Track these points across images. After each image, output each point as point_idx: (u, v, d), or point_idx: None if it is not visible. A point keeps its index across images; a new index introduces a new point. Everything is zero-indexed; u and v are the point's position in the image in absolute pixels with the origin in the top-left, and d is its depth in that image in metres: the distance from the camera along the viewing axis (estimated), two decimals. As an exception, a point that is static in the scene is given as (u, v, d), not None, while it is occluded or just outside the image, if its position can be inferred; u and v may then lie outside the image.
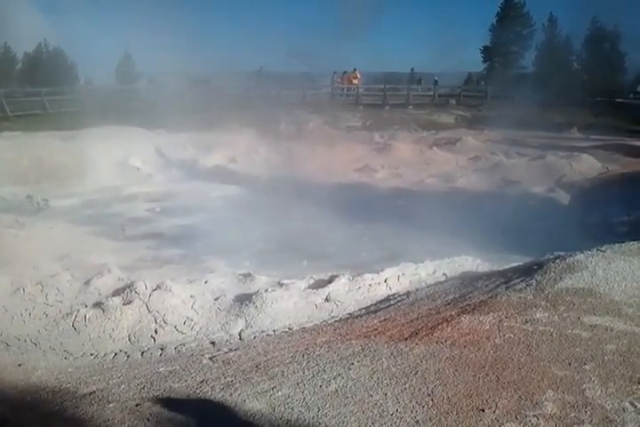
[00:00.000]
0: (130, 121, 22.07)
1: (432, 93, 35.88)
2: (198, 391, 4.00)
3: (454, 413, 3.58)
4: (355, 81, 35.47)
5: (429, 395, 3.79)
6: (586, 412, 3.58)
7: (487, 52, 51.50)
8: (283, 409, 3.66)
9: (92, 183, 16.78)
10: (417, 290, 6.97)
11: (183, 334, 6.10)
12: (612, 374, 4.03)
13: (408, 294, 6.86)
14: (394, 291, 7.11)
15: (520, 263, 7.25)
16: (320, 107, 26.83)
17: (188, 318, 6.30)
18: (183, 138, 21.62)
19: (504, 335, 4.67)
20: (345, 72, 36.00)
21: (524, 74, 48.24)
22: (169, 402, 3.87)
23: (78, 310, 6.28)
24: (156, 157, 19.99)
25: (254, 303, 6.44)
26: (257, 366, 4.42)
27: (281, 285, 6.99)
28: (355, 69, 35.88)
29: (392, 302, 6.59)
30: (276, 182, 14.80)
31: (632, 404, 3.67)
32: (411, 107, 31.88)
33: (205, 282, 7.11)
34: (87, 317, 6.16)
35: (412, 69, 47.50)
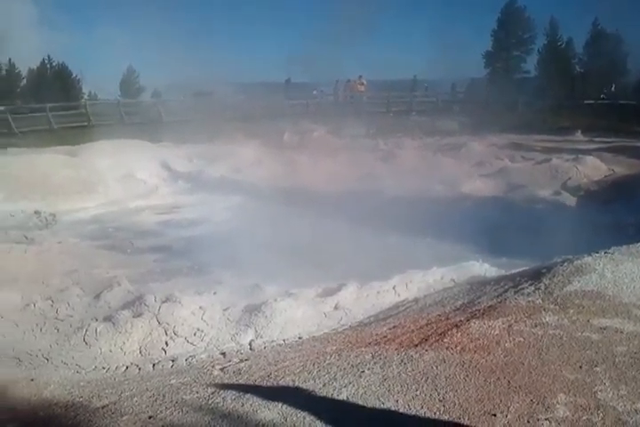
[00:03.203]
0: (135, 135, 22.19)
1: (435, 100, 35.87)
2: (210, 402, 4.01)
3: (466, 418, 3.58)
4: (361, 88, 35.49)
5: (441, 401, 3.79)
6: (598, 414, 3.57)
7: (489, 57, 51.50)
8: (295, 419, 3.66)
9: (98, 197, 16.85)
10: (425, 296, 6.98)
11: (194, 345, 6.12)
12: (624, 376, 4.03)
13: (417, 300, 6.87)
14: (402, 298, 7.12)
15: (528, 267, 7.25)
16: (324, 116, 26.88)
17: (198, 329, 6.31)
18: (188, 150, 21.72)
19: (514, 340, 4.67)
20: (349, 80, 36.03)
21: (526, 78, 48.26)
22: (181, 414, 3.89)
23: (89, 324, 6.30)
24: (161, 169, 20.08)
25: (263, 313, 6.45)
26: (268, 376, 4.43)
27: (289, 294, 7.01)
28: (360, 77, 35.92)
29: (401, 309, 6.59)
30: (280, 192, 14.83)
31: (644, 405, 3.66)
32: (414, 113, 31.94)
33: (214, 293, 7.13)
34: (98, 330, 6.18)
35: (415, 76, 47.53)
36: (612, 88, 39.74)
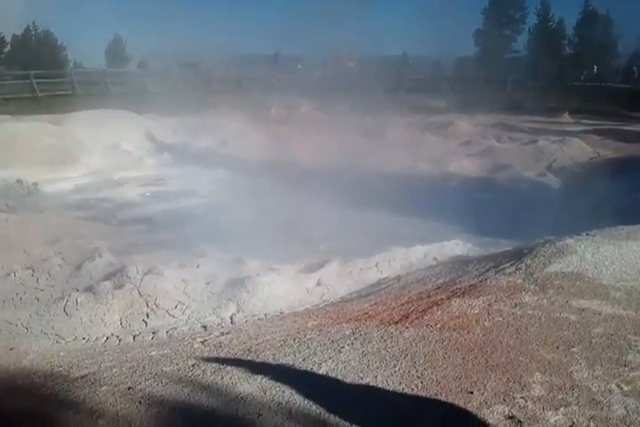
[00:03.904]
0: (120, 105, 21.96)
1: (423, 77, 35.75)
2: (190, 375, 4.03)
3: (443, 395, 3.62)
4: (349, 64, 35.28)
5: (419, 377, 3.83)
6: (573, 394, 3.63)
7: (479, 36, 51.29)
8: (274, 392, 3.69)
9: (82, 168, 16.72)
10: (407, 274, 7.02)
11: (175, 318, 6.13)
12: (599, 356, 4.09)
13: (399, 278, 6.91)
14: (384, 275, 7.16)
15: (510, 248, 7.31)
16: (311, 91, 26.71)
17: (179, 302, 6.32)
18: (173, 122, 21.54)
19: (493, 319, 4.72)
20: (338, 55, 35.81)
21: (516, 58, 48.19)
22: (160, 385, 3.90)
23: (70, 295, 6.29)
24: (146, 141, 19.92)
25: (246, 288, 6.47)
26: (248, 350, 4.45)
27: (272, 269, 7.02)
28: (349, 52, 35.70)
29: (383, 286, 6.63)
30: (266, 167, 14.77)
31: (618, 386, 3.73)
32: (402, 91, 31.81)
33: (197, 266, 7.13)
34: (78, 301, 6.17)
35: (404, 53, 47.32)
36: (595, 70, 39.72)
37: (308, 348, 4.36)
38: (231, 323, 5.98)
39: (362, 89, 26.56)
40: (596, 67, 40.00)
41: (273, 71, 34.33)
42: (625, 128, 20.45)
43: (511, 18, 50.11)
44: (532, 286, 5.39)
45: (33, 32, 52.85)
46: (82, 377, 4.14)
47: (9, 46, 52.64)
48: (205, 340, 4.98)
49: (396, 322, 4.82)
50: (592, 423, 3.36)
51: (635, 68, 35.30)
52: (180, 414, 3.60)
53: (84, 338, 5.71)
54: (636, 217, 7.71)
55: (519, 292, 5.28)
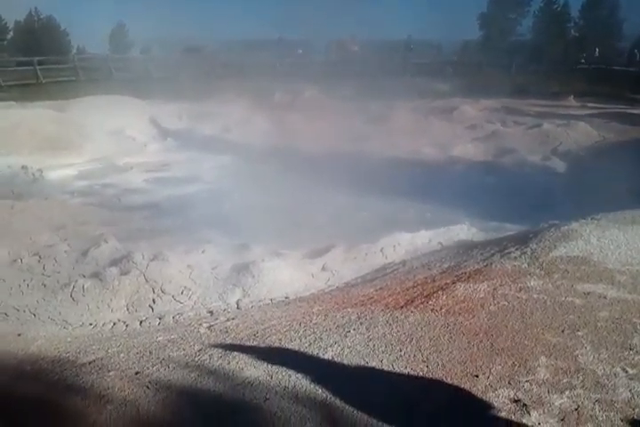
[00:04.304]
0: (124, 91, 21.90)
1: (428, 62, 35.54)
2: (196, 360, 4.06)
3: (449, 379, 3.64)
4: (353, 48, 35.11)
5: (424, 362, 3.85)
6: (578, 377, 3.64)
7: (484, 19, 50.89)
8: (280, 377, 3.72)
9: (86, 154, 16.68)
10: (412, 259, 7.03)
11: (181, 303, 6.15)
12: (605, 340, 4.10)
13: (404, 262, 6.91)
14: (390, 260, 7.17)
15: (515, 232, 7.30)
16: (315, 75, 26.58)
17: (185, 287, 6.34)
18: (178, 108, 21.47)
19: (498, 303, 4.73)
20: (341, 40, 35.64)
21: (521, 41, 47.82)
22: (167, 370, 3.93)
23: (76, 281, 6.32)
24: (150, 127, 19.88)
25: (251, 273, 6.49)
26: (254, 335, 4.47)
27: (278, 254, 7.04)
28: (353, 36, 35.53)
29: (388, 271, 6.64)
30: (270, 153, 14.74)
31: (623, 369, 3.74)
32: (407, 75, 31.63)
33: (202, 252, 7.14)
34: (85, 287, 6.20)
35: (409, 36, 46.99)
36: (596, 53, 39.37)
37: (314, 333, 4.37)
38: (237, 308, 6.00)
39: (366, 74, 26.46)
40: (597, 49, 39.63)
41: (276, 56, 34.13)
42: (630, 111, 20.30)
43: (516, 0, 49.67)
44: (537, 271, 5.40)
45: (36, 18, 52.62)
46: (89, 363, 4.17)
47: (11, 33, 52.47)
48: (212, 325, 5.00)
49: (402, 307, 4.84)
50: (597, 407, 3.37)
51: (636, 50, 35.01)
52: (187, 399, 3.63)
53: (90, 324, 5.74)
54: (642, 201, 7.69)
55: (524, 276, 5.29)
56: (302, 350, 4.11)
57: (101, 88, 22.09)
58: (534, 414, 3.33)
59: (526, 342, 4.07)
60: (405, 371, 3.76)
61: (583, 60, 35.95)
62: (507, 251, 6.15)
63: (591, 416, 3.31)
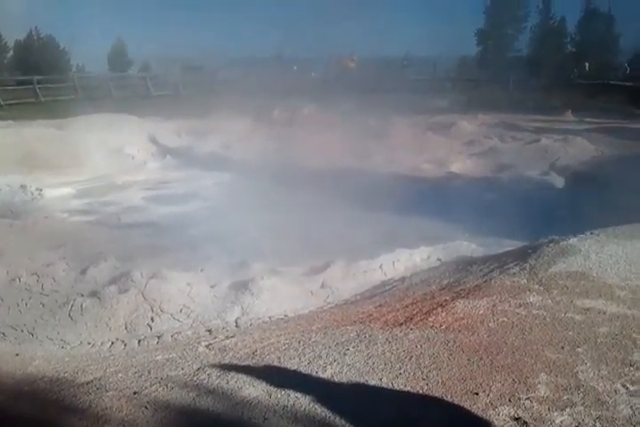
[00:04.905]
0: (123, 109, 22.00)
1: (426, 78, 35.73)
2: (195, 379, 4.04)
3: (449, 396, 3.63)
4: (351, 65, 35.29)
5: (424, 379, 3.83)
6: (578, 394, 3.63)
7: (481, 35, 51.20)
8: (279, 396, 3.70)
9: (86, 172, 16.69)
10: (412, 275, 7.02)
11: (179, 322, 6.14)
12: (605, 356, 4.09)
13: (403, 279, 6.91)
14: (389, 277, 7.17)
15: (514, 248, 7.30)
16: (314, 92, 26.70)
17: (184, 306, 6.33)
18: (177, 125, 21.55)
19: (498, 319, 4.72)
20: (340, 57, 35.84)
21: (518, 57, 48.10)
22: (166, 390, 3.91)
23: (74, 300, 6.31)
24: (150, 144, 19.91)
25: (250, 291, 6.48)
26: (253, 353, 4.46)
27: (276, 272, 7.04)
28: (351, 53, 35.72)
29: (387, 288, 6.64)
30: (270, 169, 14.76)
31: (624, 386, 3.72)
32: (406, 91, 31.76)
33: (201, 270, 7.14)
34: (83, 306, 6.19)
35: (407, 53, 47.26)
36: (587, 68, 39.51)
37: (313, 351, 4.36)
38: (236, 326, 5.99)
39: (364, 90, 26.57)
40: (587, 64, 39.74)
41: (275, 73, 34.30)
42: (628, 126, 20.38)
43: (513, 16, 49.96)
44: (536, 286, 5.39)
45: (35, 37, 52.94)
46: (87, 382, 4.15)
47: (11, 51, 52.76)
48: (210, 344, 4.99)
49: (401, 324, 4.82)
50: (598, 424, 3.36)
51: (626, 64, 35.25)
52: (185, 419, 3.61)
53: (89, 343, 5.73)
54: (641, 216, 7.69)
55: (524, 292, 5.28)
56: (301, 368, 4.10)
57: (100, 106, 22.19)
58: (535, 431, 3.31)
59: (526, 359, 4.05)
60: (405, 389, 3.74)
61: (571, 76, 36.03)
62: (506, 267, 6.14)
63: (592, 434, 3.30)
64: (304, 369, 4.07)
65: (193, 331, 5.85)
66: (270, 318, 6.14)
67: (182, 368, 4.28)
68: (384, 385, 3.80)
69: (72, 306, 6.21)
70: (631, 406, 3.51)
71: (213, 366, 4.26)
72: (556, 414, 3.44)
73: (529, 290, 5.32)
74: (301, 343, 4.55)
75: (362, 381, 3.86)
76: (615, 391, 3.66)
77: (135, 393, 3.90)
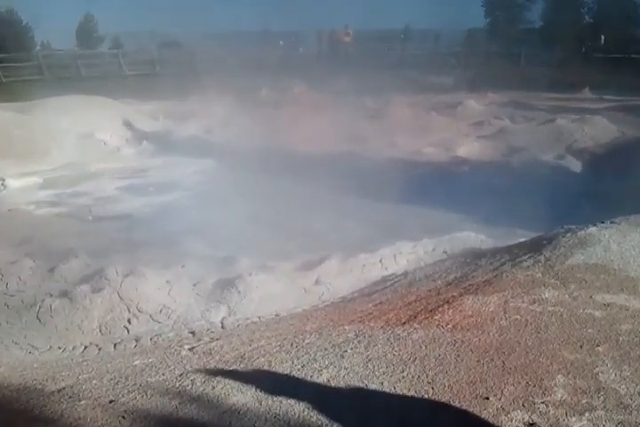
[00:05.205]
0: (94, 90, 21.90)
1: (429, 52, 35.68)
2: (177, 385, 4.04)
3: (457, 401, 3.63)
4: (346, 39, 35.18)
5: (429, 383, 3.84)
6: (599, 397, 3.64)
7: (489, 6, 51.10)
8: (270, 403, 3.70)
9: (53, 160, 16.63)
10: (415, 270, 7.03)
11: (159, 323, 6.14)
12: (627, 356, 4.10)
13: (405, 274, 6.92)
14: (390, 271, 7.18)
15: (527, 239, 7.31)
16: (305, 70, 26.64)
17: (164, 305, 6.32)
18: (154, 108, 21.49)
19: (510, 317, 4.73)
20: (333, 30, 35.74)
21: (530, 29, 48.04)
22: (145, 398, 3.91)
23: (43, 300, 6.29)
24: (124, 129, 19.84)
25: (237, 288, 6.48)
26: (241, 357, 4.46)
27: (266, 267, 7.03)
28: (346, 26, 35.59)
29: (388, 284, 6.65)
30: (257, 154, 14.74)
31: (648, 388, 3.74)
32: (406, 67, 31.75)
33: (182, 266, 7.13)
34: (53, 307, 6.17)
35: (407, 25, 47.19)
36: (602, 41, 39.46)
37: (307, 353, 4.36)
38: (222, 327, 6.00)
39: (360, 67, 26.53)
40: (603, 37, 39.70)
41: (262, 49, 34.23)
42: (652, 103, 20.41)
43: (524, -16, 49.91)
44: (552, 281, 5.40)
45: (-5, 12, 52.61)
46: (59, 391, 4.14)
47: (-31, 29, 52.48)
48: (194, 347, 4.99)
49: (404, 323, 4.83)
50: (620, 429, 3.37)
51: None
52: (167, 429, 3.61)
53: (59, 348, 5.72)
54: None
55: (538, 287, 5.29)
56: (294, 372, 4.10)
57: (69, 87, 22.10)
58: (551, 438, 3.33)
59: (541, 360, 4.06)
60: (409, 394, 3.75)
61: (584, 49, 36.01)
62: (518, 259, 6.16)
63: (614, 440, 3.31)
64: (297, 373, 4.08)
65: (174, 333, 5.85)
66: (260, 318, 6.14)
67: (163, 374, 4.28)
68: (385, 390, 3.80)
69: (40, 307, 6.19)
70: (656, 410, 3.53)
71: (197, 371, 4.26)
72: (574, 419, 3.45)
73: (544, 284, 5.33)
74: (294, 345, 4.55)
75: (361, 385, 3.87)
76: (639, 394, 3.68)
77: (111, 402, 3.89)
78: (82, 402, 3.91)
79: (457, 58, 34.76)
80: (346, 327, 4.88)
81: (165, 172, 15.78)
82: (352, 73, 24.35)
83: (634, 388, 3.73)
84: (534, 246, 6.47)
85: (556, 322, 4.61)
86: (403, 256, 7.49)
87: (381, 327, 4.77)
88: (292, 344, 4.58)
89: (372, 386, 3.85)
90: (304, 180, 12.31)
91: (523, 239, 7.38)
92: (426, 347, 4.31)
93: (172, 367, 4.41)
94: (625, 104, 20.77)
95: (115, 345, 5.67)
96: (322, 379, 3.97)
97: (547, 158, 14.59)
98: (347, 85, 22.99)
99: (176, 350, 4.98)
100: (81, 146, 17.73)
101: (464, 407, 3.57)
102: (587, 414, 3.49)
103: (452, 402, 3.63)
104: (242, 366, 4.30)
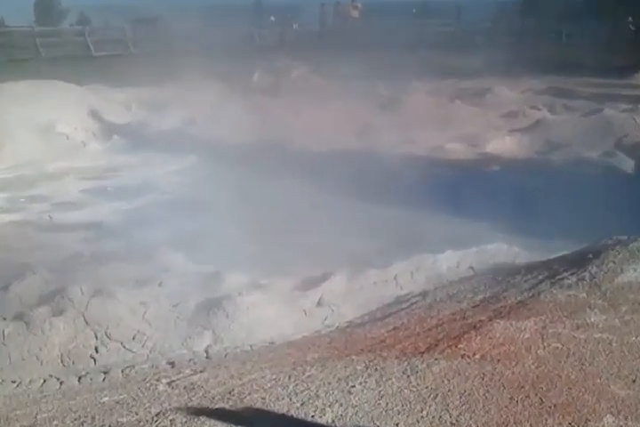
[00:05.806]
0: (55, 73, 21.92)
1: (452, 30, 35.67)
2: (154, 427, 4.04)
3: (486, 447, 3.64)
4: (354, 13, 35.17)
5: (453, 425, 3.84)
6: (655, 442, 3.64)
7: (524, -25, 51.16)
8: (264, 447, 3.71)
9: (6, 158, 16.67)
10: (436, 289, 7.03)
11: (132, 352, 6.14)
12: (688, 392, 4.10)
13: (424, 294, 6.92)
14: (406, 291, 7.17)
15: (569, 252, 7.31)
16: (306, 50, 26.69)
17: (138, 331, 6.32)
18: (126, 95, 21.50)
19: (549, 345, 4.73)
20: (339, 3, 35.76)
21: (573, 1, 48.03)
22: (116, 441, 3.92)
23: (-6, 325, 6.30)
24: (90, 120, 19.87)
25: (224, 311, 6.48)
26: (229, 393, 4.46)
27: (259, 286, 7.03)
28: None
29: (404, 306, 6.64)
30: (248, 151, 14.75)
31: None
32: (425, 47, 31.75)
33: (159, 284, 7.13)
34: (6, 333, 6.17)
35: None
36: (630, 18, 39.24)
37: (308, 389, 4.36)
38: (206, 358, 5.99)
39: (371, 46, 26.53)
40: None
41: (254, 26, 34.26)
42: None
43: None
44: (599, 302, 5.40)
45: (-63, -20, 52.81)
46: (12, 433, 4.15)
47: None
48: (173, 380, 4.99)
49: (422, 352, 4.83)
50: (678, 479, 3.37)
51: None
52: (141, 479, 3.61)
53: (13, 381, 5.71)
54: None
55: (582, 310, 5.29)
56: (292, 411, 4.10)
57: (25, 71, 22.10)
58: None
59: (586, 397, 4.06)
60: (429, 437, 3.75)
61: (631, 25, 35.82)
62: (559, 277, 6.16)
63: None
64: (296, 413, 4.08)
65: (150, 364, 5.84)
66: (251, 346, 6.14)
67: (136, 413, 4.28)
68: (401, 432, 3.80)
69: (-9, 333, 6.20)
70: None
71: (178, 409, 4.25)
72: (625, 467, 3.45)
73: (589, 307, 5.33)
74: (292, 379, 4.55)
75: (372, 427, 3.87)
76: (703, 438, 3.68)
77: (75, 446, 3.90)
78: (40, 447, 3.92)
79: (485, 36, 34.73)
80: (354, 358, 4.88)
81: (139, 171, 15.80)
82: (361, 54, 24.38)
83: (696, 431, 3.74)
84: (577, 261, 6.47)
85: (604, 352, 4.60)
86: (421, 273, 7.49)
87: (396, 358, 4.77)
88: (289, 377, 4.58)
89: (386, 428, 3.86)
90: (304, 181, 12.33)
91: (564, 253, 7.38)
92: (449, 381, 4.31)
93: (148, 405, 4.41)
94: (686, 91, 20.76)
95: (79, 378, 5.66)
96: (325, 419, 3.97)
97: (592, 156, 14.57)
98: (354, 69, 23.02)
99: (152, 384, 4.98)
100: (39, 140, 17.75)
101: (495, 454, 3.58)
102: (640, 462, 3.49)
103: (480, 447, 3.64)
104: (230, 403, 4.30)
